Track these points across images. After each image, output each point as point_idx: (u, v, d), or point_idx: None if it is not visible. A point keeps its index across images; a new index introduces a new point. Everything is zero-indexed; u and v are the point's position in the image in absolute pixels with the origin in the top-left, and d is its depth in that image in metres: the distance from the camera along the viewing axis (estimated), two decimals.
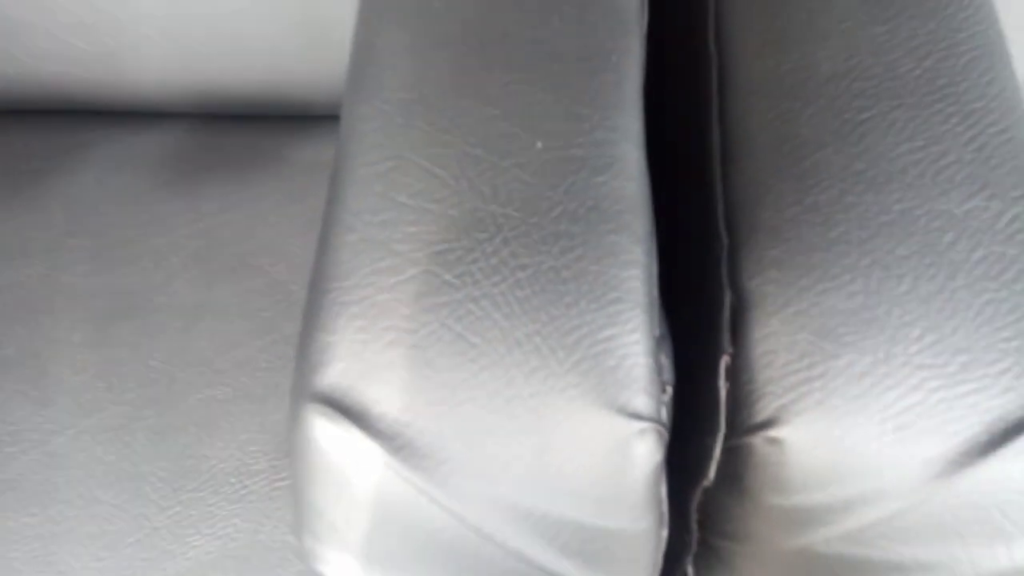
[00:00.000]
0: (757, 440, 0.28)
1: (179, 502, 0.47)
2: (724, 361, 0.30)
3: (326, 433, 0.28)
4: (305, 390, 0.28)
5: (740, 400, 0.29)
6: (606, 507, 0.27)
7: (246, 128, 0.62)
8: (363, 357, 0.28)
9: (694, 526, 0.35)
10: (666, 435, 0.28)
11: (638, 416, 0.27)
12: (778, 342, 0.28)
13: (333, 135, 0.48)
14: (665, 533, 0.30)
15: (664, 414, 0.28)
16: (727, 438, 0.29)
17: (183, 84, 0.61)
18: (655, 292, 0.30)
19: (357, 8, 0.38)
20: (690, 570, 0.38)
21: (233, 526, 0.46)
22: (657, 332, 0.29)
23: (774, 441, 0.27)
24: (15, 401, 0.51)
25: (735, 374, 0.29)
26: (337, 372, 0.28)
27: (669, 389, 0.29)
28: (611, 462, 0.27)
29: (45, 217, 0.59)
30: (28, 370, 0.52)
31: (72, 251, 0.57)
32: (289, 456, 0.29)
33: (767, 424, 0.27)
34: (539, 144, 0.30)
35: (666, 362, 0.29)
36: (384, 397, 0.27)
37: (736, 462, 0.29)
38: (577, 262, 0.28)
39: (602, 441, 0.27)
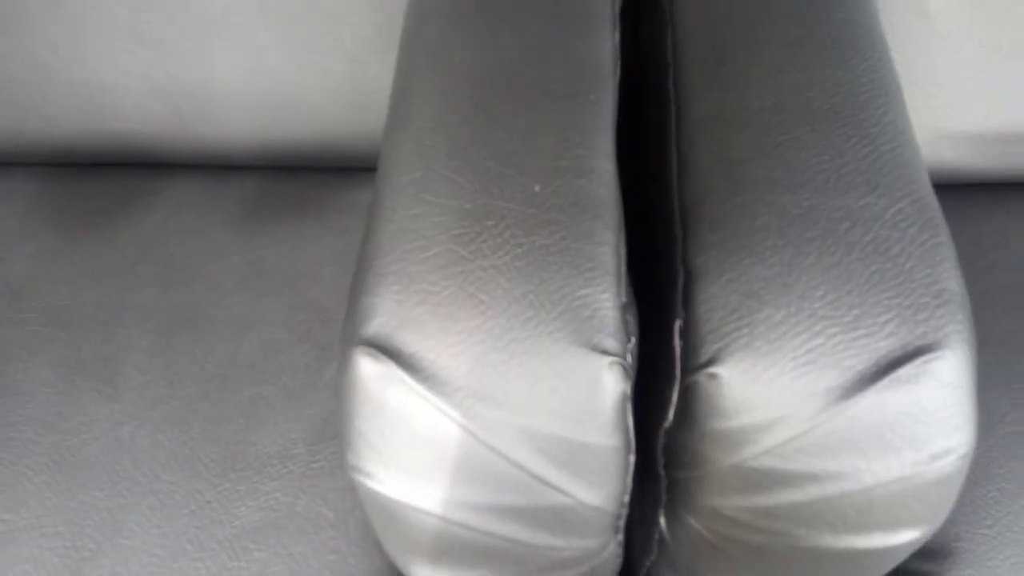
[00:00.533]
0: (701, 377, 0.36)
1: (228, 479, 0.55)
2: (678, 324, 0.38)
3: (369, 369, 0.36)
4: (353, 338, 0.37)
5: (688, 350, 0.37)
6: (584, 425, 0.35)
7: (295, 178, 0.73)
8: (398, 313, 0.37)
9: (662, 471, 0.42)
10: (631, 372, 0.36)
11: (607, 353, 0.35)
12: (716, 303, 0.37)
13: (366, 183, 0.58)
14: (632, 458, 0.38)
15: (629, 357, 0.36)
16: (680, 381, 0.37)
17: (242, 140, 0.71)
18: (623, 268, 0.38)
19: (395, 66, 0.49)
20: (662, 520, 0.45)
21: (274, 499, 0.54)
22: (624, 298, 0.38)
23: (713, 376, 0.36)
24: (89, 397, 0.59)
25: (685, 333, 0.38)
26: (378, 324, 0.37)
27: (633, 339, 0.37)
28: (587, 388, 0.35)
29: (118, 249, 0.68)
30: (101, 372, 0.61)
31: (140, 276, 0.66)
32: (338, 392, 0.37)
33: (708, 363, 0.36)
34: (536, 180, 0.39)
35: (631, 320, 0.38)
36: (415, 341, 0.36)
37: (686, 399, 0.37)
38: (562, 241, 0.37)
39: (580, 372, 0.35)
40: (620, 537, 0.42)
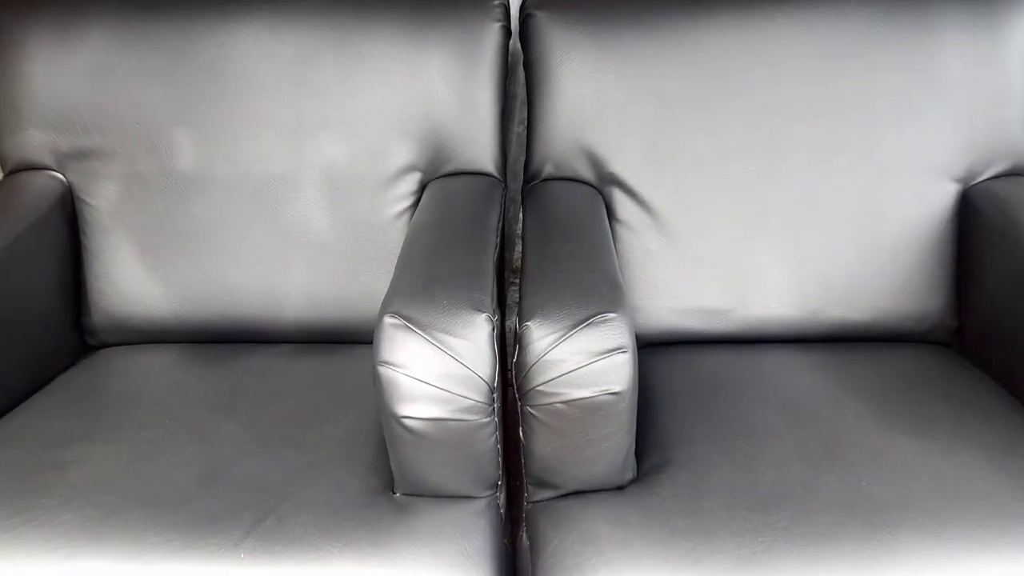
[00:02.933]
0: (524, 330, 0.93)
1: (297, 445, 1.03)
2: (515, 318, 0.96)
3: (398, 329, 0.92)
4: (384, 311, 0.93)
5: (518, 339, 0.94)
6: (471, 344, 0.91)
7: (321, 350, 1.31)
8: (408, 303, 0.94)
9: (515, 386, 0.95)
10: (497, 325, 0.93)
11: (485, 312, 0.92)
12: (526, 307, 0.95)
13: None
14: (496, 363, 0.92)
15: (495, 319, 0.93)
16: (517, 336, 0.94)
17: (296, 322, 1.30)
18: (494, 299, 0.97)
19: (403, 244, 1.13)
20: (519, 411, 0.96)
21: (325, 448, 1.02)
22: (495, 305, 0.96)
23: (527, 328, 0.92)
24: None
25: (520, 319, 0.95)
26: (396, 305, 0.94)
27: (497, 315, 0.94)
28: (476, 329, 0.92)
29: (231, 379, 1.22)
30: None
31: (237, 398, 1.19)
32: (375, 341, 0.92)
33: (520, 337, 0.93)
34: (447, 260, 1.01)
35: (496, 311, 0.95)
36: (417, 316, 0.93)
37: (519, 342, 0.93)
38: (464, 276, 0.97)
39: (472, 320, 0.92)
40: (494, 417, 0.93)
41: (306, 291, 1.31)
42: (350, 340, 1.33)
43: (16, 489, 0.98)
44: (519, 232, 1.66)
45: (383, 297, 0.97)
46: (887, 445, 1.04)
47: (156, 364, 1.28)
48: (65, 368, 1.30)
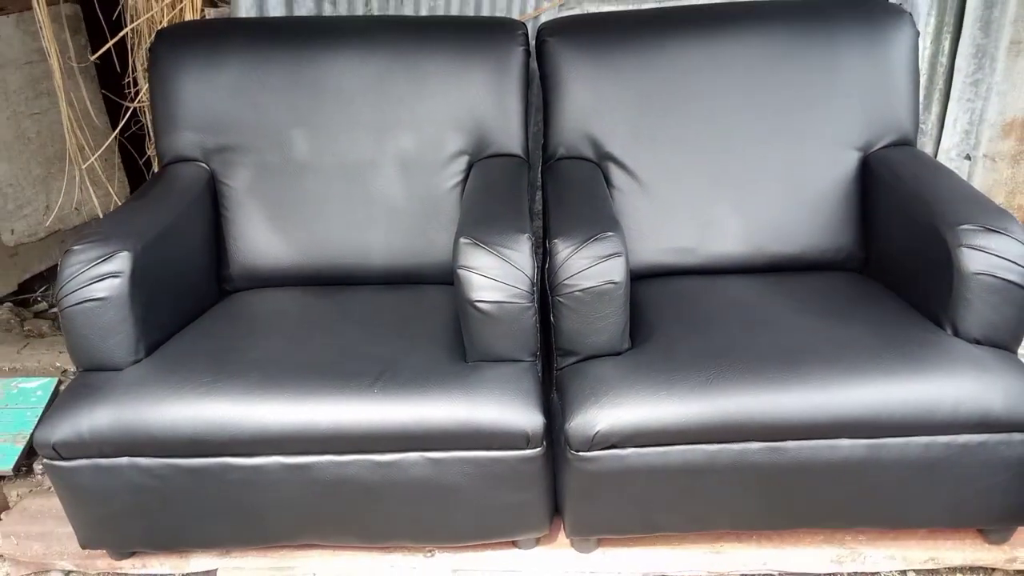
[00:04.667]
0: (550, 253, 1.41)
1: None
2: (549, 238, 1.45)
3: (470, 246, 1.40)
4: (459, 236, 1.41)
5: (549, 244, 1.42)
6: (516, 257, 1.39)
7: (399, 287, 1.79)
8: (475, 230, 1.42)
9: (548, 284, 1.43)
10: (534, 242, 1.41)
11: (527, 234, 1.41)
12: (555, 233, 1.43)
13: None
14: (536, 268, 1.40)
15: (532, 239, 1.41)
16: (546, 250, 1.42)
17: (382, 264, 1.79)
18: (531, 229, 1.45)
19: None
20: (550, 296, 1.44)
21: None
22: (531, 231, 1.44)
23: (553, 244, 1.41)
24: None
25: (551, 241, 1.43)
26: (467, 232, 1.42)
27: (533, 237, 1.42)
28: (524, 252, 1.39)
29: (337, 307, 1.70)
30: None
31: (346, 314, 1.67)
32: (454, 255, 1.40)
33: (550, 249, 1.41)
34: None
35: (532, 235, 1.43)
36: (482, 236, 1.41)
37: (550, 254, 1.41)
38: (509, 217, 1.46)
39: (522, 243, 1.40)
40: (534, 304, 1.40)
41: (387, 244, 1.79)
42: (421, 281, 1.80)
43: (213, 362, 1.45)
44: (538, 209, 2.14)
45: (451, 241, 1.44)
46: (804, 322, 1.52)
47: (281, 298, 1.76)
48: (207, 308, 1.77)
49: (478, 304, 1.38)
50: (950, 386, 1.36)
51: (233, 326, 1.63)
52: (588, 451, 1.37)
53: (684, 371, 1.39)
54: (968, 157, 2.19)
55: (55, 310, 2.80)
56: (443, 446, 1.38)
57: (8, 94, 2.59)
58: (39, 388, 2.04)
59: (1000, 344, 1.45)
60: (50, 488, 1.76)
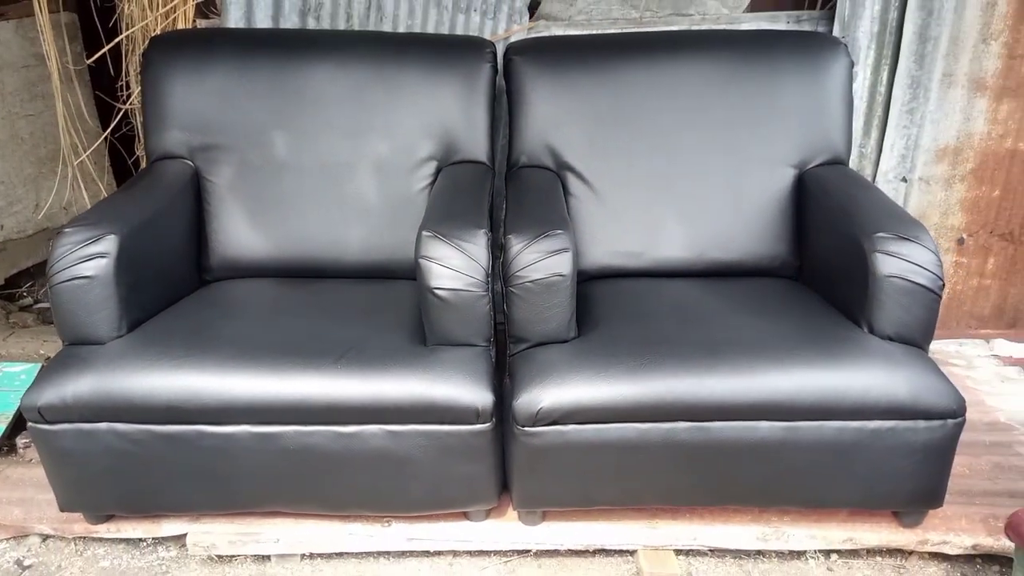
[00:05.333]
0: (504, 247, 1.55)
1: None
2: (502, 232, 1.59)
3: (431, 238, 1.54)
4: (422, 230, 1.55)
5: (503, 246, 1.57)
6: (472, 252, 1.53)
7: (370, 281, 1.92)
8: (437, 224, 1.56)
9: (500, 274, 1.57)
10: (489, 240, 1.55)
11: (484, 231, 1.55)
12: (511, 229, 1.58)
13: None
14: (491, 259, 1.53)
15: (488, 235, 1.55)
16: (504, 244, 1.56)
17: (356, 260, 1.92)
18: (488, 223, 1.59)
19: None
20: (501, 287, 1.57)
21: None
22: (488, 227, 1.58)
23: (509, 241, 1.55)
24: None
25: (505, 237, 1.58)
26: (430, 226, 1.56)
27: (489, 233, 1.56)
28: (478, 244, 1.53)
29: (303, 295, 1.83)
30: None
31: (318, 303, 1.80)
32: (416, 247, 1.54)
33: (505, 244, 1.55)
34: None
35: (490, 232, 1.57)
36: (442, 230, 1.55)
37: (503, 255, 1.55)
38: (468, 215, 1.60)
39: (476, 235, 1.54)
40: (488, 294, 1.54)
41: (359, 241, 1.93)
42: (390, 276, 1.93)
43: (189, 338, 1.58)
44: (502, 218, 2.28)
45: (415, 234, 1.57)
46: (735, 320, 1.67)
47: (257, 287, 1.89)
48: (187, 294, 1.88)
49: (437, 291, 1.52)
50: (860, 375, 1.51)
51: (210, 309, 1.76)
52: (533, 427, 1.50)
53: (621, 357, 1.53)
54: (905, 179, 2.37)
55: (40, 305, 2.91)
56: (400, 419, 1.51)
57: (4, 96, 2.71)
58: (23, 372, 2.14)
59: (911, 341, 1.60)
60: (31, 460, 1.86)
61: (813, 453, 1.54)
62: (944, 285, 1.59)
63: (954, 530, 1.67)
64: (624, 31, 2.24)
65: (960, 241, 2.43)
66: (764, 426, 1.51)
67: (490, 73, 1.99)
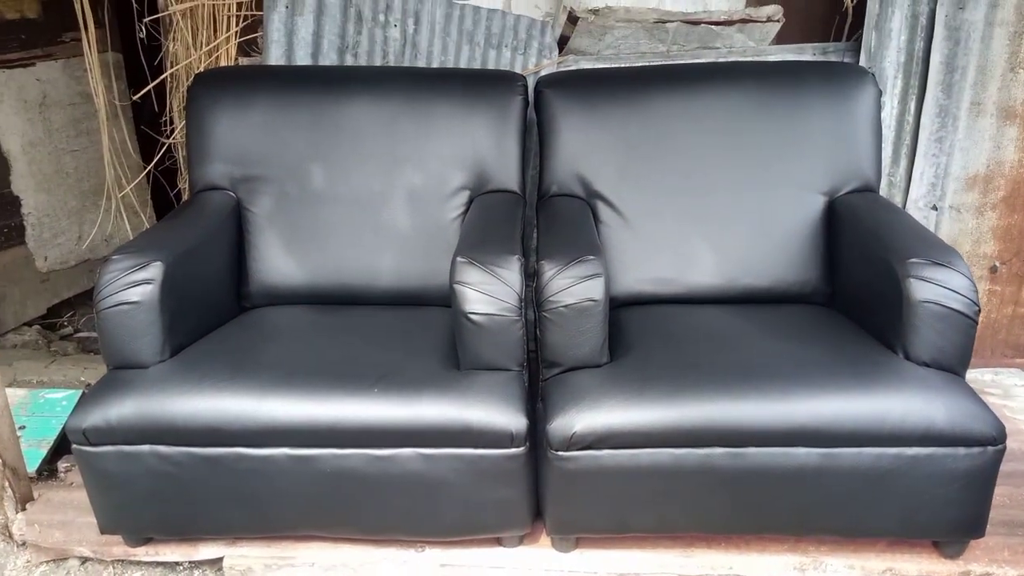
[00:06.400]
0: (538, 267, 1.58)
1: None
2: (534, 259, 1.61)
3: (466, 264, 1.57)
4: (457, 256, 1.58)
5: (536, 272, 1.59)
6: (506, 278, 1.55)
7: (403, 308, 1.95)
8: (471, 251, 1.59)
9: (534, 301, 1.59)
10: (523, 266, 1.57)
11: (517, 256, 1.57)
12: (543, 255, 1.60)
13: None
14: (523, 285, 1.56)
15: (521, 261, 1.58)
16: (536, 272, 1.59)
17: (387, 289, 1.95)
18: (520, 248, 1.62)
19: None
20: (534, 314, 1.59)
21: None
22: (521, 254, 1.60)
23: (542, 267, 1.57)
24: None
25: (538, 264, 1.60)
26: (464, 253, 1.59)
27: (522, 259, 1.59)
28: (513, 271, 1.56)
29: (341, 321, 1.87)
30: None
31: (353, 329, 1.84)
32: (451, 273, 1.57)
33: (538, 270, 1.58)
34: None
35: (522, 258, 1.60)
36: (477, 256, 1.58)
37: (537, 277, 1.58)
38: (502, 241, 1.63)
39: (512, 265, 1.57)
40: (522, 319, 1.56)
41: (393, 269, 1.96)
42: (423, 303, 1.96)
43: (230, 363, 1.61)
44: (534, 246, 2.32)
45: (448, 264, 1.59)
46: (768, 345, 1.67)
47: (295, 313, 1.92)
48: (227, 321, 1.93)
49: (471, 316, 1.54)
50: (898, 401, 1.50)
51: (250, 335, 1.79)
52: (567, 451, 1.50)
53: (655, 381, 1.53)
54: (935, 208, 2.37)
55: (80, 334, 2.99)
56: (435, 443, 1.52)
57: (51, 132, 2.82)
58: (64, 399, 2.19)
59: (947, 367, 1.59)
60: (72, 484, 1.90)
61: (851, 480, 1.52)
62: (979, 310, 1.58)
63: (997, 561, 1.63)
64: (652, 64, 2.28)
65: (993, 269, 2.41)
66: (801, 452, 1.50)
67: (521, 105, 2.04)
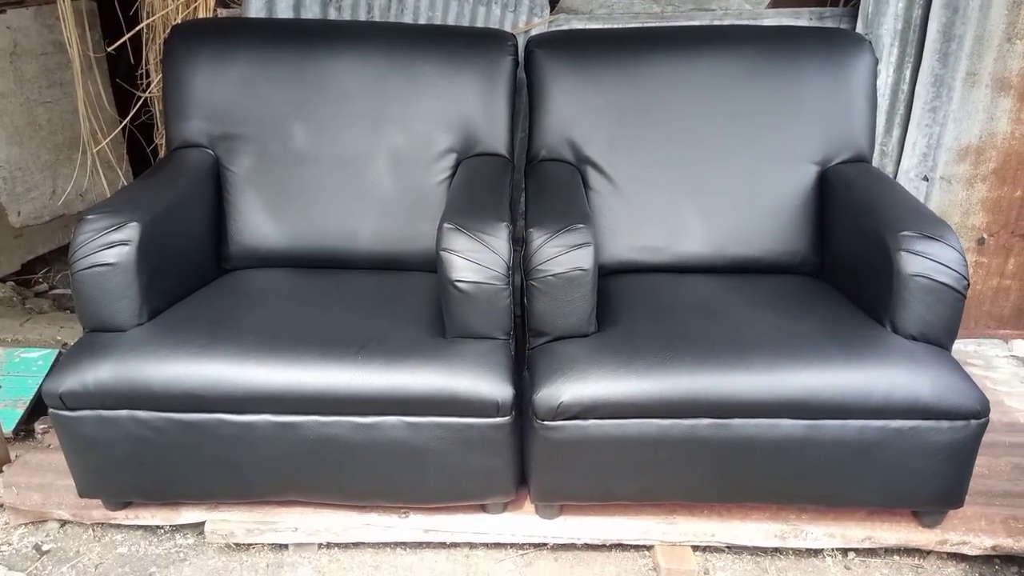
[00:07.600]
0: (526, 233, 1.54)
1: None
2: (521, 225, 1.58)
3: (453, 231, 1.53)
4: (444, 222, 1.54)
5: (527, 232, 1.56)
6: (496, 247, 1.52)
7: (385, 272, 1.91)
8: (458, 217, 1.56)
9: (520, 267, 1.56)
10: (511, 231, 1.54)
11: (505, 223, 1.54)
12: (531, 221, 1.57)
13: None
14: (512, 251, 1.53)
15: (509, 227, 1.55)
16: (525, 237, 1.55)
17: (368, 251, 1.91)
18: (508, 216, 1.59)
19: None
20: (520, 280, 1.57)
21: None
22: (509, 220, 1.57)
23: (530, 234, 1.54)
24: None
25: (526, 230, 1.57)
26: (451, 219, 1.55)
27: (510, 226, 1.56)
28: (501, 238, 1.53)
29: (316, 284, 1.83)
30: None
31: (335, 293, 1.80)
32: (437, 239, 1.53)
33: (526, 238, 1.55)
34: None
35: (510, 224, 1.57)
36: (464, 222, 1.54)
37: (526, 242, 1.55)
38: (490, 207, 1.59)
39: (500, 231, 1.53)
40: (509, 287, 1.53)
41: (376, 232, 1.92)
42: (406, 267, 1.93)
43: (210, 327, 1.58)
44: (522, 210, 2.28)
45: (435, 231, 1.55)
46: (756, 316, 1.65)
47: (276, 276, 1.88)
48: (207, 283, 1.88)
49: (458, 283, 1.51)
50: (884, 374, 1.50)
51: (230, 298, 1.75)
52: (553, 420, 1.49)
53: (642, 352, 1.52)
54: (926, 178, 2.35)
55: (56, 291, 2.93)
56: (420, 411, 1.50)
57: (23, 82, 2.72)
58: (40, 358, 2.15)
59: (934, 341, 1.59)
60: (50, 446, 1.87)
61: (834, 451, 1.53)
62: (969, 284, 1.58)
63: (973, 531, 1.66)
64: (646, 25, 2.23)
65: (980, 241, 2.41)
66: (786, 423, 1.50)
67: (511, 66, 1.98)
